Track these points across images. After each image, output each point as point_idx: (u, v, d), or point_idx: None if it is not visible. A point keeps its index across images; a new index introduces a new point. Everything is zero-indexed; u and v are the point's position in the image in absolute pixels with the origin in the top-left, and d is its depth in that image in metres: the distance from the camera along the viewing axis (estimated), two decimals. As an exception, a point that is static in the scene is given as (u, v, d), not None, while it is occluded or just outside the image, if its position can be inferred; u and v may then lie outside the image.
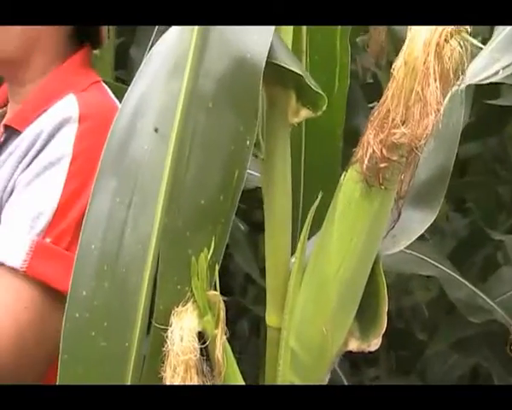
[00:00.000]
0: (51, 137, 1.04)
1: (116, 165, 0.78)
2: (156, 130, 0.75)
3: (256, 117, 0.73)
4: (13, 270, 0.98)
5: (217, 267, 0.78)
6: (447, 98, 0.97)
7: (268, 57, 0.74)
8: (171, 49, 0.79)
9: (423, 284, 2.65)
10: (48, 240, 0.98)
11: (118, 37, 2.55)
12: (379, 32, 2.43)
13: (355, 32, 2.15)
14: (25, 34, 1.10)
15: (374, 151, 0.72)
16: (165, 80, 0.77)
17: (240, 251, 2.52)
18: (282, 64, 0.74)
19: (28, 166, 1.03)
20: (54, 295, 0.97)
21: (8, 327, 0.96)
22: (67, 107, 1.07)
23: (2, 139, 1.11)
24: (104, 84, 1.18)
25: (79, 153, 1.02)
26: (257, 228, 2.40)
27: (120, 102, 1.15)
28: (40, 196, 1.00)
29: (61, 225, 0.99)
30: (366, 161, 0.72)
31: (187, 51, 0.76)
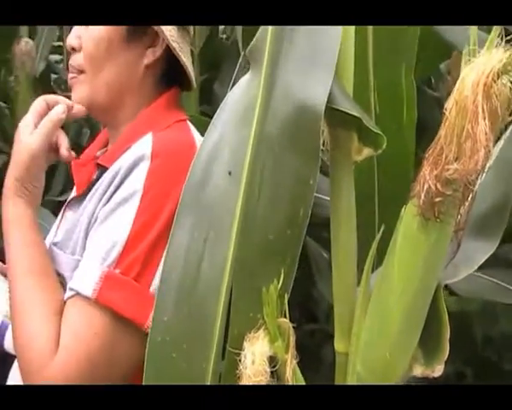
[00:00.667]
0: (127, 174, 1.09)
1: (194, 203, 0.86)
2: (230, 173, 0.83)
3: (318, 158, 0.79)
4: (85, 298, 1.04)
5: (286, 296, 0.84)
6: (509, 131, 1.00)
7: (328, 102, 0.80)
8: (242, 96, 0.87)
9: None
10: (117, 271, 1.04)
11: (202, 73, 2.68)
12: (460, 58, 2.44)
13: (438, 58, 2.16)
14: (113, 82, 1.18)
15: (429, 186, 0.76)
16: (236, 127, 0.85)
17: (323, 279, 2.56)
18: (342, 108, 0.81)
19: (107, 201, 1.10)
20: (123, 323, 1.02)
21: (80, 352, 1.02)
22: (143, 145, 1.12)
23: (94, 177, 1.18)
24: (189, 123, 1.21)
25: (149, 188, 1.06)
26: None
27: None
28: (113, 230, 1.06)
29: (130, 256, 1.04)
30: (423, 196, 0.77)
31: (255, 98, 0.84)
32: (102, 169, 1.17)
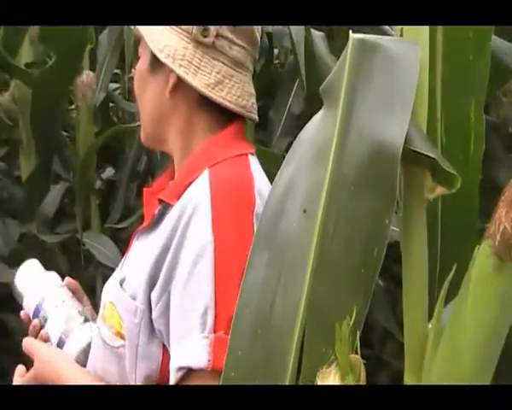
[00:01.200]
0: (190, 220, 1.09)
1: (268, 241, 0.88)
2: (304, 211, 0.85)
3: (394, 199, 0.80)
4: (201, 371, 1.03)
5: (358, 333, 0.85)
6: None
7: (405, 143, 0.81)
8: (316, 134, 0.88)
9: None
10: (221, 332, 1.03)
11: (257, 100, 2.71)
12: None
13: (497, 83, 2.14)
14: (156, 113, 1.21)
15: (505, 228, 0.77)
16: (311, 166, 0.86)
17: (378, 305, 2.56)
18: (418, 150, 0.82)
19: (174, 259, 1.09)
20: None
21: None
22: (201, 186, 1.11)
23: (156, 212, 1.18)
24: (250, 157, 1.20)
25: (219, 236, 1.06)
26: (395, 282, 2.42)
27: (261, 163, 1.24)
28: (199, 292, 1.05)
29: (226, 313, 1.03)
30: (498, 237, 0.77)
31: (330, 138, 0.85)
32: (164, 204, 1.18)
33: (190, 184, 1.14)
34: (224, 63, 1.18)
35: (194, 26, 1.16)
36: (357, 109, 0.84)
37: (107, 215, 2.91)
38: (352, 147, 0.83)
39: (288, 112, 2.61)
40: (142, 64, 1.22)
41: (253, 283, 0.88)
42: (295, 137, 0.91)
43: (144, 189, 1.28)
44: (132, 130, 3.17)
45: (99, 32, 3.01)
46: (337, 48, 2.58)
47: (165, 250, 1.11)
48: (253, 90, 1.24)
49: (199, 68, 1.16)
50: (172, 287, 1.09)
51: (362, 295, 0.84)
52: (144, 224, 1.21)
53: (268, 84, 2.78)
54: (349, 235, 0.83)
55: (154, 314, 1.11)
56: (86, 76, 2.70)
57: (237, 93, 1.19)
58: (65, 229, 3.04)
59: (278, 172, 0.91)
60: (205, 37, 1.16)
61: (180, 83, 1.17)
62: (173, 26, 1.17)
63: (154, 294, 1.11)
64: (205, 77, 1.16)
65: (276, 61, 3.44)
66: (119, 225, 2.74)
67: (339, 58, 0.87)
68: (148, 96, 1.22)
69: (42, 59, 3.03)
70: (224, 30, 1.17)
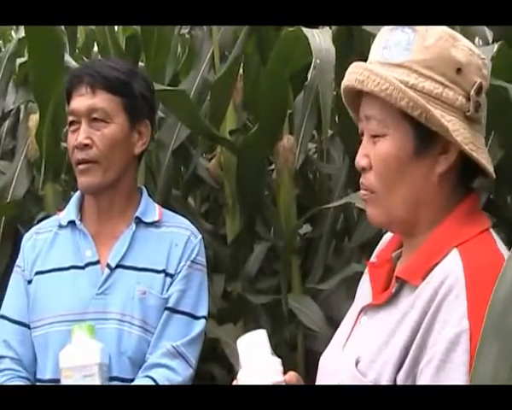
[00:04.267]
0: (441, 304, 1.07)
1: (498, 331, 0.85)
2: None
3: None
4: None
5: None
6: None
7: None
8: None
9: None
10: None
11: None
12: None
13: None
14: (408, 198, 1.17)
15: None
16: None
17: None
18: None
19: (425, 338, 1.07)
20: None
21: None
22: (452, 269, 1.09)
23: (393, 290, 1.16)
24: (492, 232, 1.16)
25: (475, 323, 1.02)
26: None
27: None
28: (452, 379, 1.03)
29: None
30: None
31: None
32: (403, 283, 1.16)
33: (437, 264, 1.13)
34: (480, 132, 1.19)
35: (470, 106, 1.14)
36: None
37: (306, 273, 2.96)
38: None
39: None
40: (401, 149, 1.16)
41: (483, 375, 0.86)
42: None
43: (368, 262, 1.28)
44: (329, 190, 3.23)
45: (295, 95, 3.10)
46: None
47: (413, 334, 1.10)
48: None
49: (475, 145, 1.15)
50: (419, 370, 1.08)
51: None
52: (375, 301, 1.21)
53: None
54: None
55: None
56: (287, 140, 2.79)
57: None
58: (265, 287, 3.14)
59: (506, 259, 0.88)
60: (477, 112, 1.15)
61: (455, 163, 1.16)
62: (448, 109, 1.14)
63: (400, 377, 1.10)
64: (483, 154, 1.17)
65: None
66: (321, 286, 2.77)
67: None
68: (409, 182, 1.17)
69: (244, 125, 3.19)
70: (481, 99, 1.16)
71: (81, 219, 1.80)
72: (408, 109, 1.13)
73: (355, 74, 1.18)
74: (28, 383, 1.75)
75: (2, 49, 4.06)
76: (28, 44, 2.87)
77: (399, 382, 1.10)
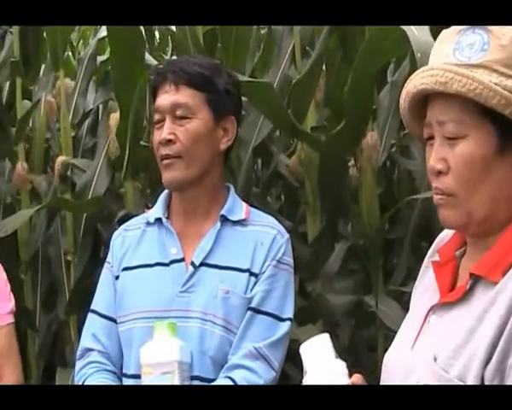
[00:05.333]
0: None
1: None
2: None
3: None
4: None
5: None
6: None
7: None
8: None
9: None
10: None
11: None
12: None
13: None
14: (492, 196, 1.16)
15: None
16: None
17: None
18: None
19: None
20: None
21: None
22: None
23: (467, 287, 1.16)
24: None
25: None
26: None
27: None
28: None
29: None
30: None
31: None
32: (476, 278, 1.15)
33: None
34: None
35: None
36: None
37: (391, 276, 2.90)
38: None
39: None
40: (482, 149, 1.16)
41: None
42: None
43: (432, 262, 1.27)
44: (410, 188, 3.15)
45: (378, 91, 3.03)
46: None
47: (500, 329, 1.09)
48: None
49: None
50: (508, 365, 1.08)
51: None
52: (446, 299, 1.20)
53: None
54: None
55: None
56: (371, 137, 2.72)
57: None
58: (344, 287, 3.09)
59: None
60: None
61: None
62: None
63: (488, 373, 1.10)
64: None
65: None
66: (404, 288, 2.70)
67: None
68: (492, 181, 1.16)
69: (327, 122, 3.14)
70: None
71: (168, 217, 1.79)
72: (498, 107, 1.13)
73: (434, 77, 1.16)
74: (114, 376, 1.75)
75: (82, 52, 4.15)
76: (110, 44, 2.90)
77: (487, 377, 1.10)
